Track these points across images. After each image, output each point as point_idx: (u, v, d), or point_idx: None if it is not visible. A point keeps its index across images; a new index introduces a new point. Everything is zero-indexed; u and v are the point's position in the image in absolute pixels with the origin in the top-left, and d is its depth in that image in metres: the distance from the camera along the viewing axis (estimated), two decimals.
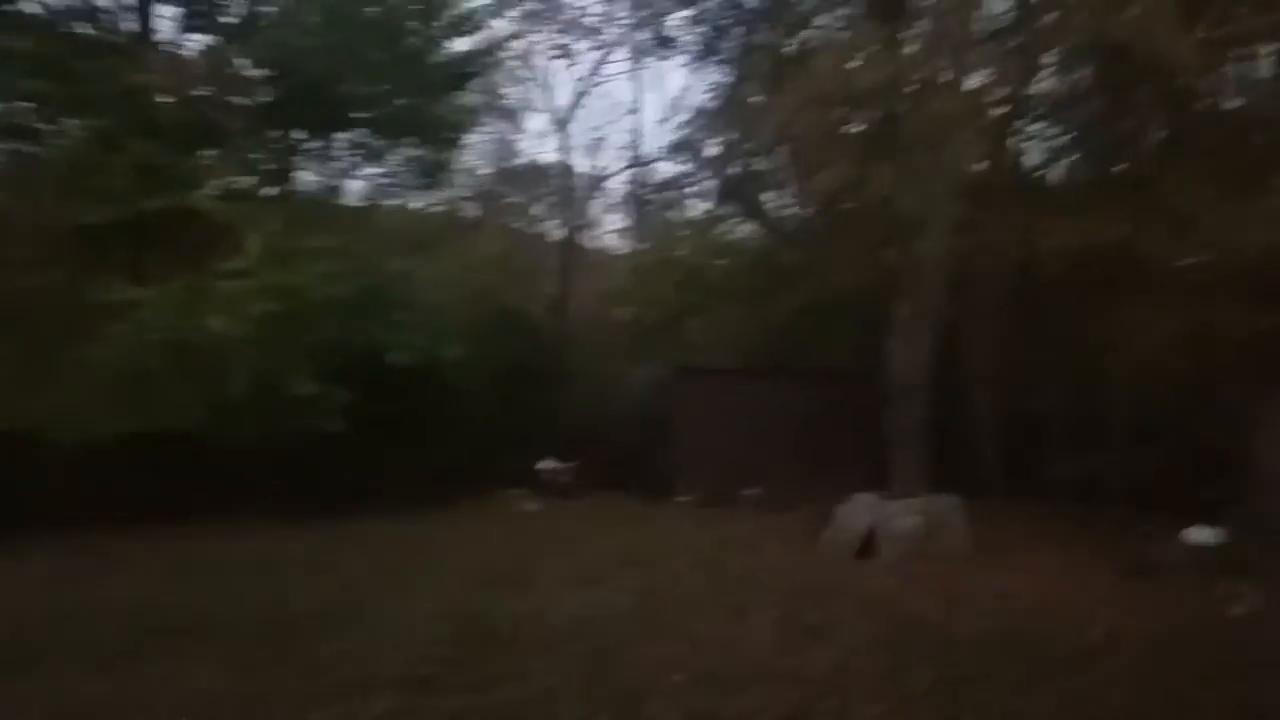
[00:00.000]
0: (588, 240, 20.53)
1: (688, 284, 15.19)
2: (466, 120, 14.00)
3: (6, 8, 11.17)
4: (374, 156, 13.11)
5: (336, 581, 7.57)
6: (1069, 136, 12.18)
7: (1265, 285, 8.52)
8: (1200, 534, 7.98)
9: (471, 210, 18.08)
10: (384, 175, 13.47)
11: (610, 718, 4.67)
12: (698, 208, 16.94)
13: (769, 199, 15.32)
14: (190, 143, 11.07)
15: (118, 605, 6.80)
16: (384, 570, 8.05)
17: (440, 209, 15.28)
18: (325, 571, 7.96)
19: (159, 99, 10.89)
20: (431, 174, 13.59)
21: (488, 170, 19.08)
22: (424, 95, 12.43)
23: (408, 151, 13.17)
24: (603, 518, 10.98)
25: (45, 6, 11.53)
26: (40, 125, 11.13)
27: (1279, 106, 10.03)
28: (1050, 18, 9.85)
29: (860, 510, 8.98)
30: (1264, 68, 10.37)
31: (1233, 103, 10.57)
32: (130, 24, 11.95)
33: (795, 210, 14.98)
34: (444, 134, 13.16)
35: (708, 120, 14.72)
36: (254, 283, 9.82)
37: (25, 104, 11.01)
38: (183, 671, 5.38)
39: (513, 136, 20.07)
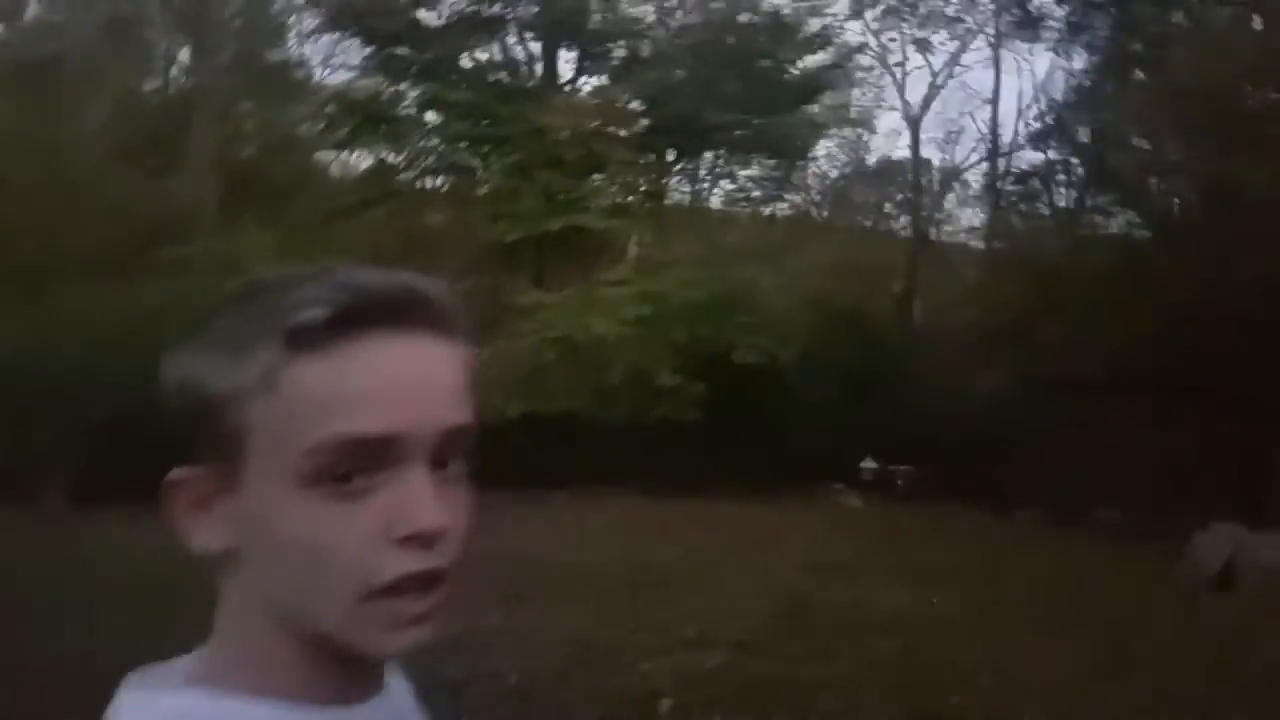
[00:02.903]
0: (939, 237, 20.07)
1: (1045, 283, 14.42)
2: (815, 131, 14.64)
3: (446, 64, 13.91)
4: (730, 173, 14.28)
5: (683, 553, 8.58)
6: None
7: None
8: None
9: (820, 213, 18.60)
10: (738, 189, 14.60)
11: (903, 707, 5.09)
12: (1062, 199, 15.92)
13: (1148, 187, 13.93)
14: (583, 170, 13.07)
15: (511, 556, 8.40)
16: (722, 547, 8.92)
17: (789, 214, 16.07)
18: (674, 543, 9.01)
19: (560, 135, 12.98)
20: (781, 184, 14.46)
21: (838, 172, 19.46)
22: (775, 113, 13.31)
23: (761, 165, 14.16)
24: (930, 523, 11.00)
25: (474, 60, 14.18)
26: (471, 162, 13.76)
27: None
28: None
29: (1220, 540, 8.29)
30: None
31: None
32: (537, 69, 14.30)
33: (1179, 200, 13.50)
34: (793, 146, 13.93)
35: (1077, 104, 13.80)
36: (630, 290, 11.47)
37: (460, 144, 13.73)
38: (555, 616, 6.63)
39: (864, 136, 20.21)
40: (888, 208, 20.36)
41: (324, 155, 17.60)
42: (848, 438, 12.98)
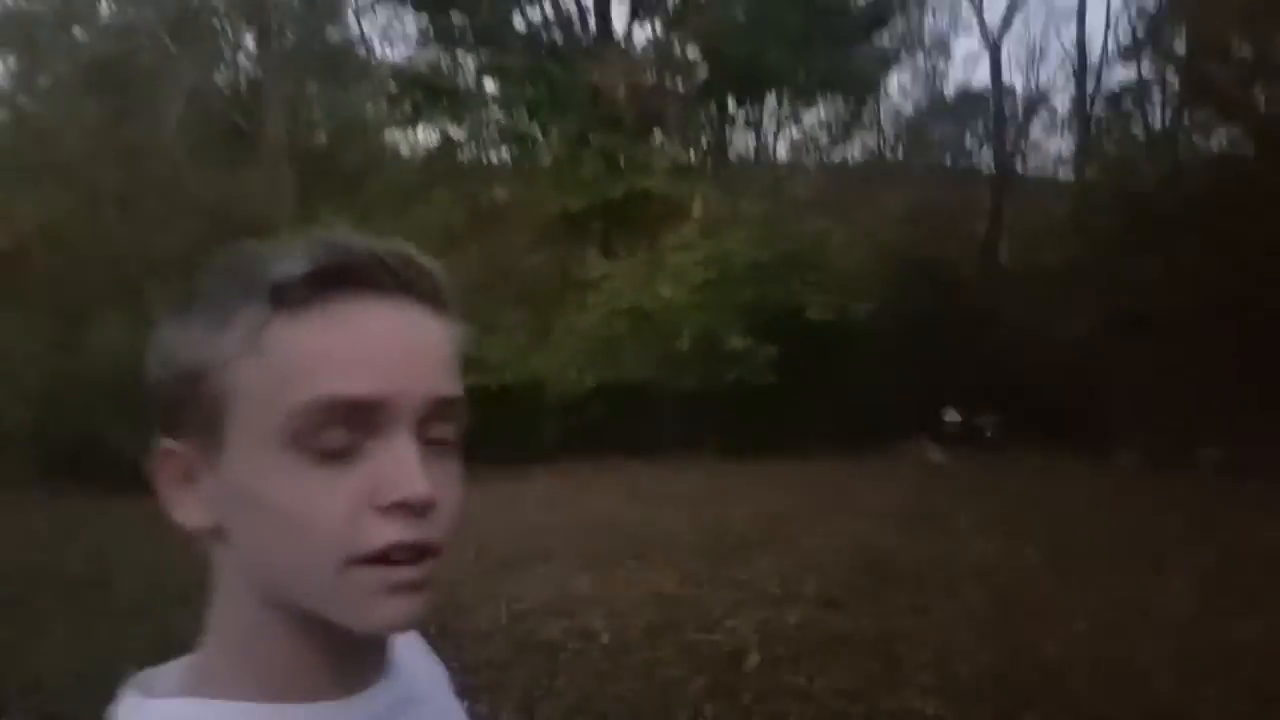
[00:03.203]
0: (1025, 171, 19.16)
1: (1140, 212, 13.73)
2: (885, 64, 14.08)
3: (499, 28, 13.81)
4: (795, 117, 13.92)
5: (762, 513, 8.61)
6: None
7: None
8: None
9: (894, 154, 18.02)
10: (805, 136, 14.25)
11: (999, 657, 5.01)
12: (1157, 120, 14.96)
13: (1252, 99, 12.96)
14: (643, 130, 12.93)
15: (594, 522, 8.57)
16: (802, 506, 8.92)
17: (860, 159, 15.65)
18: (755, 503, 9.06)
19: (617, 94, 12.84)
20: (850, 126, 14.05)
21: (912, 108, 18.70)
22: (840, 48, 12.81)
23: (828, 107, 13.77)
24: (1021, 472, 10.73)
25: (527, 21, 14.07)
26: (532, 131, 13.77)
27: None
28: None
29: None
30: None
31: None
32: (591, 25, 14.09)
33: None
34: (862, 82, 13.44)
35: (1171, 11, 12.86)
36: (696, 254, 11.36)
37: (519, 113, 13.73)
38: (645, 575, 6.79)
39: (940, 65, 19.27)
40: (968, 142, 19.46)
41: (392, 135, 17.91)
42: (929, 390, 12.72)
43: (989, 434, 12.73)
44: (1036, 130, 19.24)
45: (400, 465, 0.53)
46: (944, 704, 4.43)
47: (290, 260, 0.54)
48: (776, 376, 11.02)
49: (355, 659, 0.59)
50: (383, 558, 0.53)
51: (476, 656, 5.26)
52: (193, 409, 0.55)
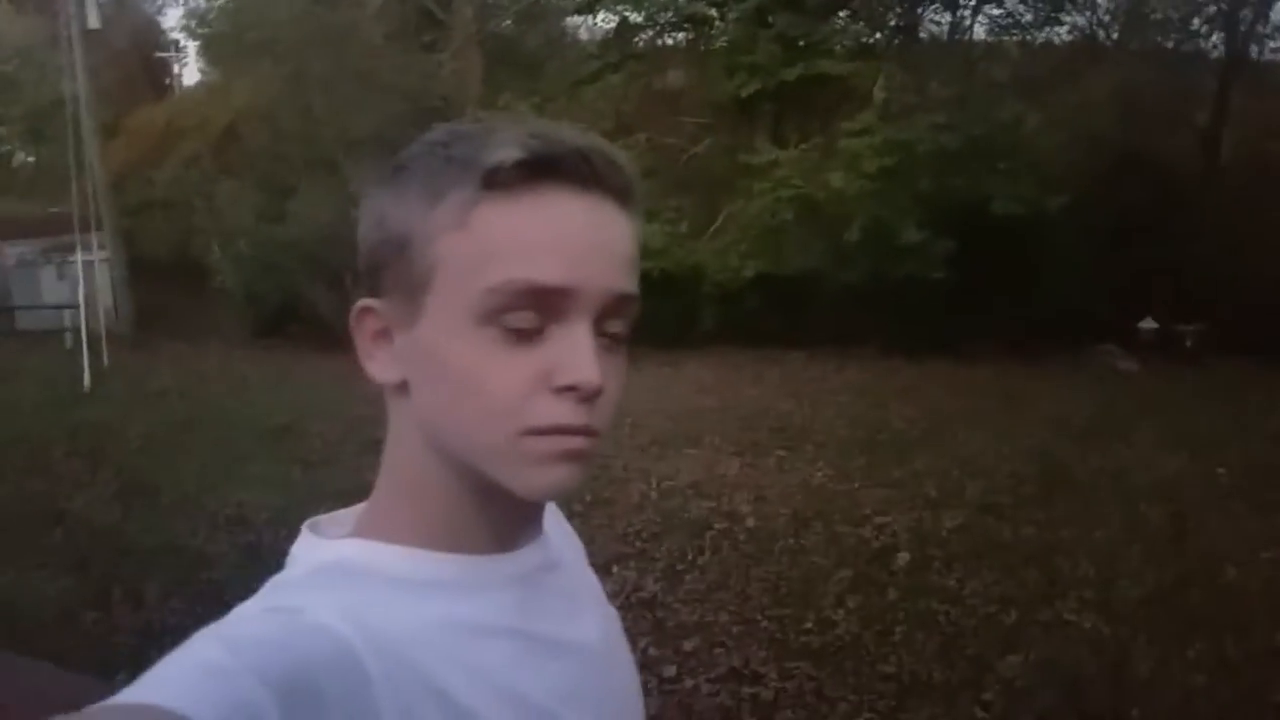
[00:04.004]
0: (1261, 55, 16.79)
1: None
2: None
3: None
4: None
5: (928, 413, 8.37)
6: None
7: None
8: None
9: (1109, 36, 16.19)
10: (1005, 14, 13.02)
11: (1170, 578, 4.73)
12: None
13: None
14: (827, 9, 12.19)
15: (747, 411, 8.61)
16: (973, 409, 8.58)
17: (1069, 40, 14.18)
18: (918, 403, 8.81)
19: None
20: (1057, 4, 12.71)
21: None
22: None
23: None
24: (1219, 386, 9.84)
25: None
26: (708, 13, 13.29)
27: None
28: None
29: None
30: None
31: None
32: None
33: None
34: None
35: None
36: (873, 139, 10.74)
37: None
38: (795, 465, 6.82)
39: None
40: (1195, 23, 17.20)
41: (573, 21, 17.88)
42: (1124, 294, 11.70)
43: (1188, 344, 11.65)
44: (1277, 12, 16.68)
45: (576, 352, 0.56)
46: (1102, 620, 4.26)
47: (504, 147, 0.57)
48: (954, 273, 10.45)
49: (511, 519, 0.64)
50: (550, 432, 0.57)
51: (626, 527, 5.50)
52: (399, 273, 0.59)
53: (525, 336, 0.57)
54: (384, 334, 0.61)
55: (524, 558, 0.65)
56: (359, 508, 0.66)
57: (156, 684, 0.46)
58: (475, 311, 0.57)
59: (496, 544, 0.63)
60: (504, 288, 0.56)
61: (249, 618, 0.55)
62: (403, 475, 0.63)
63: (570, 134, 0.59)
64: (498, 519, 0.63)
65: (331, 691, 0.50)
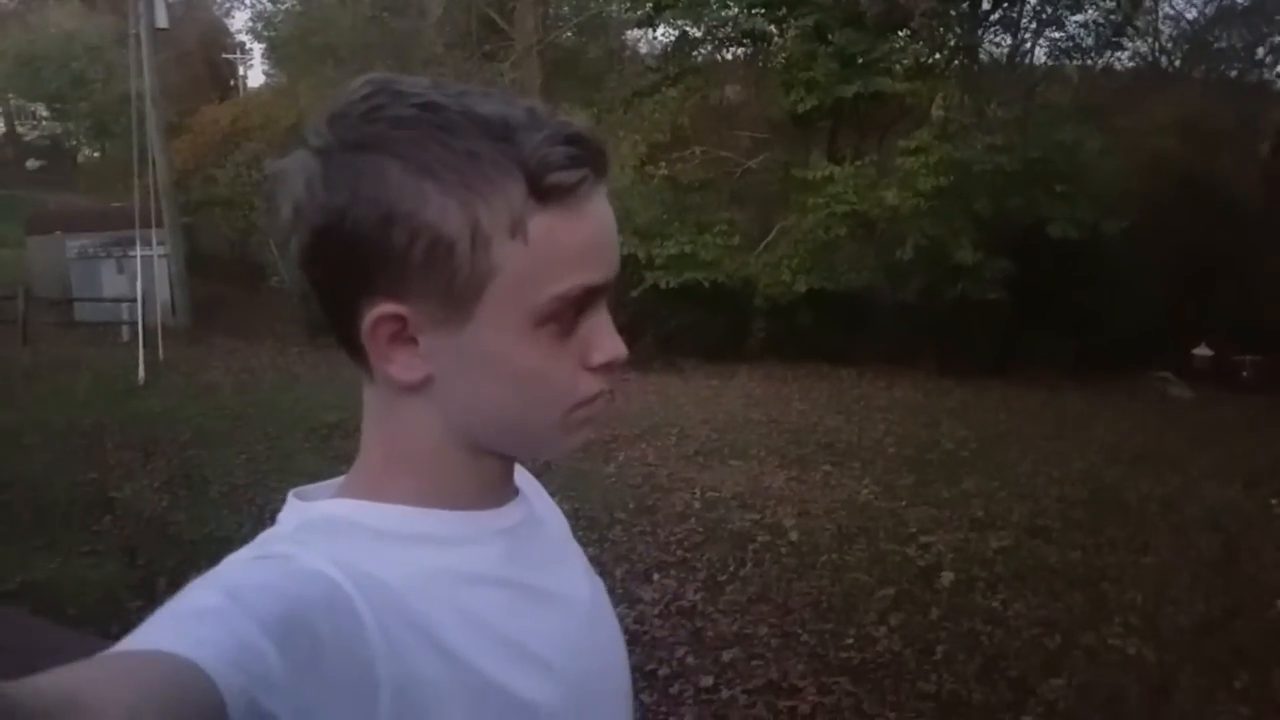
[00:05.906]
0: None
1: None
2: None
3: None
4: (1057, 19, 12.59)
5: (978, 433, 8.29)
6: None
7: None
8: None
9: (1171, 63, 15.92)
10: (1066, 38, 12.87)
11: (1218, 607, 4.63)
12: None
13: None
14: (887, 27, 12.13)
15: (792, 423, 8.60)
16: (1024, 432, 8.50)
17: (1130, 66, 13.97)
18: (969, 423, 8.72)
19: None
20: (1121, 28, 12.53)
21: (1195, 11, 16.40)
22: None
23: (1096, 7, 12.33)
24: (1269, 419, 9.61)
25: None
26: (767, 28, 13.30)
27: None
28: None
29: None
30: None
31: None
32: None
33: None
34: None
35: None
36: (928, 158, 10.67)
37: (756, 9, 13.29)
38: (841, 481, 6.79)
39: None
40: (1260, 53, 16.91)
41: (634, 34, 17.99)
42: (1180, 322, 11.48)
43: (1245, 374, 11.38)
44: None
45: (605, 332, 0.63)
46: (1147, 646, 4.20)
47: (544, 145, 0.57)
48: (1010, 295, 10.32)
49: (499, 479, 0.68)
50: (591, 401, 0.64)
51: (669, 535, 5.54)
52: (435, 277, 0.57)
53: (570, 327, 0.61)
54: (401, 336, 0.59)
55: (509, 513, 0.68)
56: (338, 479, 0.68)
57: (157, 630, 0.47)
58: (535, 317, 0.59)
59: (481, 501, 0.66)
60: (567, 295, 0.59)
61: (242, 564, 0.56)
62: (403, 448, 0.64)
63: (590, 128, 0.60)
64: (489, 480, 0.66)
65: (326, 633, 0.51)
